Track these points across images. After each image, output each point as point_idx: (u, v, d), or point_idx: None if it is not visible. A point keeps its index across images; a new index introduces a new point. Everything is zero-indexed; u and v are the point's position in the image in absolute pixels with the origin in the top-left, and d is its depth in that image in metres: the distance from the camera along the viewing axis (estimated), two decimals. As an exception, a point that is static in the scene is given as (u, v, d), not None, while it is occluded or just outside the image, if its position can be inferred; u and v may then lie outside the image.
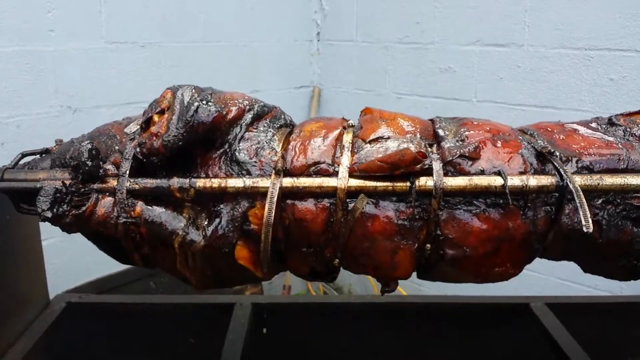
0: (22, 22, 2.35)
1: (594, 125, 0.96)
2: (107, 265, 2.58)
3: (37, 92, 2.37)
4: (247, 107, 0.93)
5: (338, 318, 1.73)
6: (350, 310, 1.74)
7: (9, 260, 1.42)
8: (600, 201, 0.87)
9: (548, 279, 2.88)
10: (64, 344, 1.59)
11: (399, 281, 0.94)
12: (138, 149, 0.88)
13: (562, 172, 0.83)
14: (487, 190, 0.82)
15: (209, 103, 0.87)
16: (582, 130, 0.93)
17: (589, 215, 0.78)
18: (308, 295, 3.73)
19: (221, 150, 0.89)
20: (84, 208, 0.86)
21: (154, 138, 0.86)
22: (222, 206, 0.85)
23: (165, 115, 0.86)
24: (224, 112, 0.89)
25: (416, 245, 0.83)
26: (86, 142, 0.87)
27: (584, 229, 0.77)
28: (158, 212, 0.84)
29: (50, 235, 1.94)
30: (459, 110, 3.02)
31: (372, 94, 3.49)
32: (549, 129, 0.93)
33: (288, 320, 1.72)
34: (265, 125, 0.93)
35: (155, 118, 0.88)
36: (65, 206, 0.86)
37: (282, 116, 0.99)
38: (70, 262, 2.56)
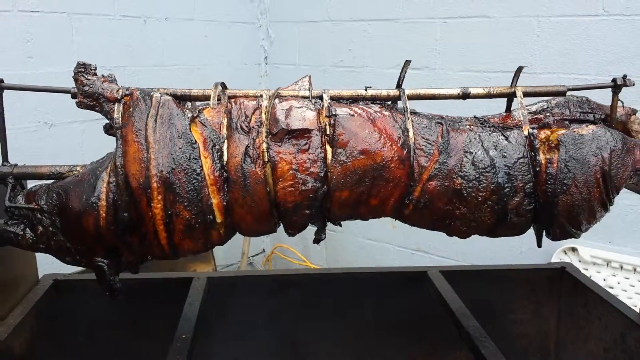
0: (4, 50, 2.66)
1: None
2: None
3: (18, 110, 2.62)
4: None
5: (275, 288, 2.09)
6: (284, 281, 2.11)
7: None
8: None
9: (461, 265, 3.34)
10: (51, 314, 1.85)
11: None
12: None
13: (400, 86, 1.34)
14: (358, 95, 1.34)
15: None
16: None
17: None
18: (253, 270, 4.16)
19: None
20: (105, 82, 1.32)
21: None
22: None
23: None
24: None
25: (317, 112, 1.28)
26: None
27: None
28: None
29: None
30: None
31: (313, 111, 3.92)
32: None
33: (234, 290, 2.08)
34: None
35: None
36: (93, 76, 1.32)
37: None
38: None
